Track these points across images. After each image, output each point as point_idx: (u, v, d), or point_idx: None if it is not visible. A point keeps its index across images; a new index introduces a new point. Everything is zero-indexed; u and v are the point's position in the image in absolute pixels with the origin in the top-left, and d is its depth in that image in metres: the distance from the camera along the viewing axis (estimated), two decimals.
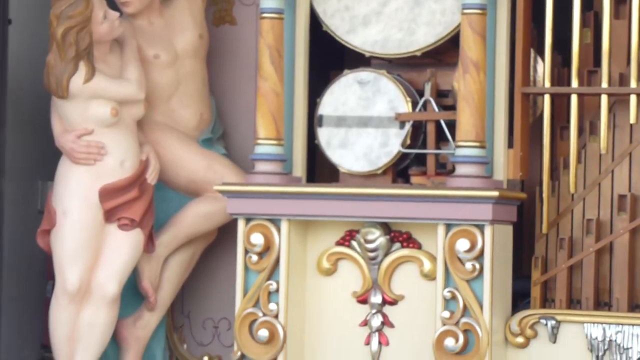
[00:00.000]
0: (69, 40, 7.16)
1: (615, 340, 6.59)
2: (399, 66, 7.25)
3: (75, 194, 7.26)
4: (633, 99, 6.65)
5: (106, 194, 7.24)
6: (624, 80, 6.76)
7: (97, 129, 7.24)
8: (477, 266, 6.66)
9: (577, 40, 6.76)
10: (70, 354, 7.30)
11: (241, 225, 7.07)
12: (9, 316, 7.71)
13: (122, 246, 7.34)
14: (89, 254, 7.26)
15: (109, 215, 7.28)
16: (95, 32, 7.20)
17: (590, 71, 6.87)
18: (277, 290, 6.99)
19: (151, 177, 7.41)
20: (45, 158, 7.72)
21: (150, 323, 7.60)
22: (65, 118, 7.30)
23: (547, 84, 6.85)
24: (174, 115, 7.67)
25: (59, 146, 7.34)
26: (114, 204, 7.28)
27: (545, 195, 6.90)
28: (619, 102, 6.78)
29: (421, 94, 7.09)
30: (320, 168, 7.47)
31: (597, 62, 6.83)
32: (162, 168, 7.53)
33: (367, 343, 6.96)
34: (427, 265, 6.84)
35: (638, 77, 6.75)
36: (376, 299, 6.97)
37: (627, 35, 6.78)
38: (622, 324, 6.59)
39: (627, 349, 6.58)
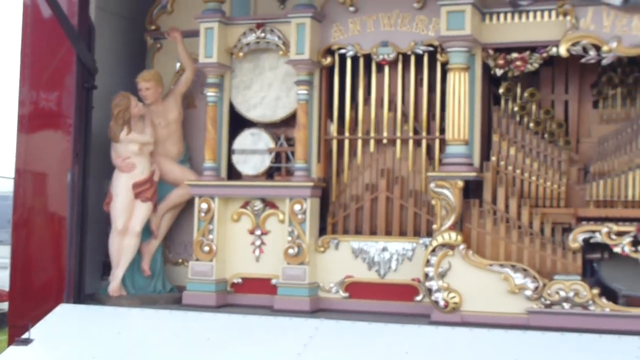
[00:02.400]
0: (119, 116, 7.62)
1: (364, 248, 7.23)
2: (270, 127, 7.69)
3: (121, 185, 7.66)
4: (372, 141, 7.36)
5: (136, 185, 7.66)
6: (368, 132, 7.37)
7: (132, 156, 7.67)
8: (304, 217, 7.30)
9: (347, 115, 7.43)
10: (118, 259, 7.66)
11: (197, 199, 7.57)
12: (90, 242, 7.69)
13: (143, 210, 7.71)
14: (127, 213, 7.65)
15: (137, 195, 7.66)
16: (131, 112, 7.67)
17: (354, 129, 7.39)
18: (212, 229, 7.51)
19: (156, 178, 7.79)
20: (108, 169, 7.77)
21: (155, 244, 7.90)
22: (117, 151, 7.70)
23: (335, 135, 7.47)
24: (167, 150, 7.92)
25: (114, 164, 7.71)
26: (139, 190, 7.68)
27: (334, 183, 7.48)
28: (366, 142, 7.39)
29: (279, 139, 7.66)
30: (234, 173, 7.74)
31: (357, 125, 7.44)
32: (161, 174, 7.85)
33: (253, 252, 7.54)
34: (281, 216, 7.44)
35: (374, 130, 7.35)
36: (258, 232, 7.53)
37: (369, 113, 7.39)
38: (366, 241, 7.20)
39: (368, 252, 7.19)
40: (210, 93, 7.71)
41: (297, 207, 7.37)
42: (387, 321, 6.71)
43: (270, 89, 7.73)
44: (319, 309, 7.28)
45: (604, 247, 6.51)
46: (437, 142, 7.28)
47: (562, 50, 6.73)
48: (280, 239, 7.45)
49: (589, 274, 6.65)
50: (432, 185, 6.84)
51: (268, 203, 7.58)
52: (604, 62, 6.71)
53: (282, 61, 7.60)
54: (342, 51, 7.48)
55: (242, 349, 6.58)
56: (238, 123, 7.83)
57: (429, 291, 6.75)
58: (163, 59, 8.33)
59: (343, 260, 7.33)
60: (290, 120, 7.65)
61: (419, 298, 7.13)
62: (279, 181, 7.57)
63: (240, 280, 7.62)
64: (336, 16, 7.45)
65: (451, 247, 6.72)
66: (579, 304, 6.44)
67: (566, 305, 6.46)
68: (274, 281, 7.46)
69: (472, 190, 6.98)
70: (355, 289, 7.30)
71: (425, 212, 7.23)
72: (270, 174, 7.74)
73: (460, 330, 6.47)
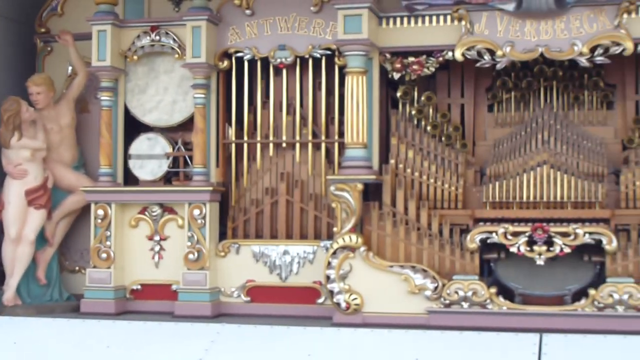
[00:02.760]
0: (10, 121, 7.53)
1: (265, 252, 7.27)
2: (166, 131, 7.66)
3: (14, 192, 7.58)
4: (271, 145, 7.37)
5: (28, 192, 7.59)
6: (267, 136, 7.40)
7: (24, 162, 7.59)
8: (203, 222, 7.30)
9: (246, 119, 7.49)
10: (12, 268, 7.59)
11: (93, 206, 7.56)
12: None
13: (36, 217, 7.62)
14: (20, 221, 7.56)
15: (30, 202, 7.58)
16: (22, 117, 7.58)
17: (253, 133, 7.45)
18: (110, 235, 7.48)
19: (50, 184, 7.72)
20: None
21: (50, 252, 7.82)
22: (8, 157, 7.63)
23: (233, 139, 7.51)
24: (60, 156, 7.85)
25: (5, 171, 7.63)
26: (32, 197, 7.60)
27: (233, 187, 7.48)
28: (265, 146, 7.40)
29: (177, 143, 7.64)
30: (131, 178, 7.73)
31: (255, 129, 7.46)
32: (55, 180, 7.78)
33: (153, 258, 7.53)
34: (180, 222, 7.43)
35: (273, 134, 7.35)
36: (156, 237, 7.52)
37: (268, 117, 7.40)
38: (267, 245, 7.23)
39: (269, 255, 7.22)
40: (104, 97, 7.67)
41: (196, 212, 7.39)
42: (289, 324, 6.76)
43: (166, 93, 7.72)
44: (220, 314, 7.32)
45: (500, 247, 6.68)
46: (336, 145, 7.37)
47: (458, 55, 6.89)
48: (180, 245, 7.44)
49: (487, 273, 6.81)
50: (332, 188, 6.91)
51: (166, 208, 7.57)
52: (498, 66, 6.89)
53: (178, 64, 7.61)
54: (239, 54, 7.50)
55: (143, 356, 6.56)
56: (134, 127, 7.81)
57: (331, 293, 6.83)
58: (54, 62, 8.26)
59: (244, 265, 7.38)
60: (187, 125, 7.66)
61: (320, 300, 7.20)
62: (177, 186, 7.55)
63: (139, 287, 7.61)
64: (232, 19, 7.46)
65: (352, 249, 6.80)
66: (477, 303, 6.61)
67: (465, 305, 6.63)
68: (174, 287, 7.46)
69: (371, 192, 7.08)
70: (256, 293, 7.36)
71: (325, 215, 7.32)
72: (168, 179, 7.72)
73: (361, 332, 6.57)
